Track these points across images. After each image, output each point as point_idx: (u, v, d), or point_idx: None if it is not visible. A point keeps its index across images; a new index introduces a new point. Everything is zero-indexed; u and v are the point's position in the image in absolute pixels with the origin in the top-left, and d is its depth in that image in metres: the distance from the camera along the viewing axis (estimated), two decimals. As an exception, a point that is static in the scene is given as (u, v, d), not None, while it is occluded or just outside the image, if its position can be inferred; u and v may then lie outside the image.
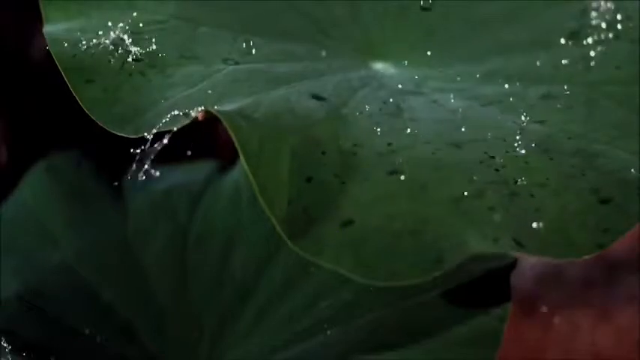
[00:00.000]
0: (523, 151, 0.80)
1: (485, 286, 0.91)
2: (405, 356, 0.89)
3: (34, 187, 1.11)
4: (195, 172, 1.12)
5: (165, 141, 0.79)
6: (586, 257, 0.74)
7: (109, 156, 1.10)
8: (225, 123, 0.75)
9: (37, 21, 0.89)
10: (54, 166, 1.12)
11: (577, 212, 0.75)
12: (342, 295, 0.95)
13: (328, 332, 0.93)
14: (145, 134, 0.80)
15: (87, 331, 1.01)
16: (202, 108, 0.78)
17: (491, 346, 0.87)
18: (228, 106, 0.79)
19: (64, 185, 1.11)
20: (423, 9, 0.97)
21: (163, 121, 0.80)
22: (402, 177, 0.77)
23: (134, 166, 0.82)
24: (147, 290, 1.04)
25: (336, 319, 0.94)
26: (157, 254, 1.05)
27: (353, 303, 0.95)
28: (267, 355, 0.95)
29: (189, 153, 1.08)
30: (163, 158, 1.06)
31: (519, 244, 0.74)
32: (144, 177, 0.82)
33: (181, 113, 0.80)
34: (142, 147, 0.81)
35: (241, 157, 0.74)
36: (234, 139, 0.75)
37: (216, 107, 0.78)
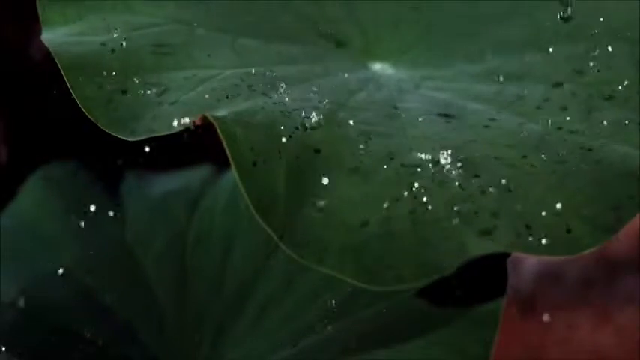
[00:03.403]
0: (522, 150, 0.80)
1: (482, 274, 0.91)
2: (407, 349, 0.89)
3: (33, 195, 1.11)
4: (192, 176, 1.12)
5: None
6: (588, 251, 0.74)
7: (107, 161, 1.10)
8: (220, 134, 0.75)
9: (37, 21, 0.89)
10: (52, 174, 1.13)
11: (577, 207, 0.75)
12: (342, 290, 0.95)
13: (329, 328, 0.93)
14: (143, 137, 0.80)
15: (88, 335, 1.01)
16: (199, 114, 0.78)
17: (490, 327, 0.87)
18: (225, 111, 0.79)
19: (62, 193, 1.12)
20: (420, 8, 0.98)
21: (161, 124, 0.80)
22: (401, 180, 0.77)
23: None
24: (147, 293, 1.04)
25: (336, 315, 0.94)
26: (157, 257, 1.06)
27: (353, 298, 0.95)
28: (269, 354, 0.96)
29: (186, 155, 1.08)
30: (161, 162, 1.06)
31: (520, 244, 0.74)
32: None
33: (179, 117, 0.80)
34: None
35: (234, 171, 0.74)
36: (227, 151, 0.75)
37: (212, 113, 0.78)
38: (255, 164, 0.76)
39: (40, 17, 0.89)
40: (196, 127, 0.79)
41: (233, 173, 0.76)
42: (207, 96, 0.82)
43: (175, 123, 0.79)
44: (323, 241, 0.74)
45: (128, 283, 1.05)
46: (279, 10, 0.95)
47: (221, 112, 0.78)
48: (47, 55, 0.86)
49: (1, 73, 1.36)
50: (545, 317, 1.23)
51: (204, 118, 0.78)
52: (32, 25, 0.92)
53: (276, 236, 0.73)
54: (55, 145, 1.23)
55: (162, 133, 0.79)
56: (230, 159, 0.76)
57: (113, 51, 0.86)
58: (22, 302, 1.03)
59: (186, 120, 0.79)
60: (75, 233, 1.09)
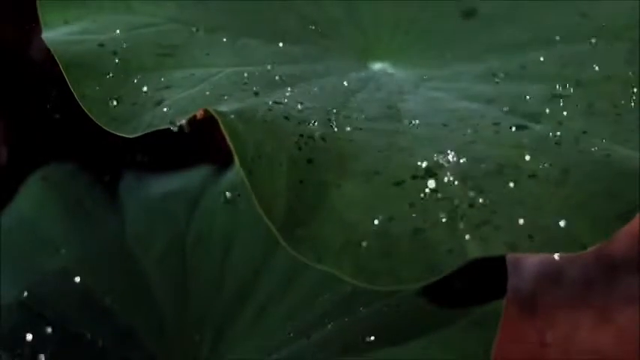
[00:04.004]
0: (521, 150, 0.80)
1: (482, 274, 0.91)
2: (407, 349, 0.89)
3: (32, 195, 1.11)
4: (191, 176, 1.12)
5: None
6: (589, 249, 0.73)
7: (107, 161, 1.10)
8: (222, 126, 0.75)
9: (37, 22, 0.89)
10: (51, 174, 1.13)
11: (577, 206, 0.75)
12: (342, 288, 0.95)
13: (329, 326, 0.93)
14: (144, 132, 0.80)
15: (88, 336, 1.01)
16: (201, 108, 0.79)
17: (490, 327, 0.87)
18: (226, 108, 0.79)
19: (60, 193, 1.12)
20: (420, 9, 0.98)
21: (161, 121, 0.80)
22: (401, 180, 0.77)
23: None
24: (147, 294, 1.04)
25: (336, 313, 0.94)
26: (156, 258, 1.06)
27: (353, 297, 0.95)
28: (269, 354, 0.95)
29: (186, 155, 1.09)
30: (160, 162, 1.06)
31: (519, 244, 0.73)
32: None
33: (179, 114, 0.80)
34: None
35: (237, 163, 0.74)
36: (230, 144, 0.75)
37: (213, 108, 0.78)
38: (257, 161, 0.76)
39: (40, 17, 0.89)
40: (197, 124, 0.79)
41: (236, 167, 0.76)
42: (207, 93, 0.82)
43: (176, 119, 0.79)
44: (322, 239, 0.74)
45: (128, 284, 1.05)
46: (279, 9, 0.95)
47: (222, 109, 0.78)
48: (47, 55, 0.86)
49: (1, 73, 1.36)
50: (548, 337, 1.23)
51: (206, 112, 0.78)
52: (32, 25, 0.92)
53: (277, 232, 0.73)
54: (55, 146, 1.23)
55: (163, 127, 0.79)
56: (234, 152, 0.76)
57: (114, 51, 0.86)
58: (21, 303, 1.03)
59: (187, 115, 0.79)
60: (75, 233, 1.09)
